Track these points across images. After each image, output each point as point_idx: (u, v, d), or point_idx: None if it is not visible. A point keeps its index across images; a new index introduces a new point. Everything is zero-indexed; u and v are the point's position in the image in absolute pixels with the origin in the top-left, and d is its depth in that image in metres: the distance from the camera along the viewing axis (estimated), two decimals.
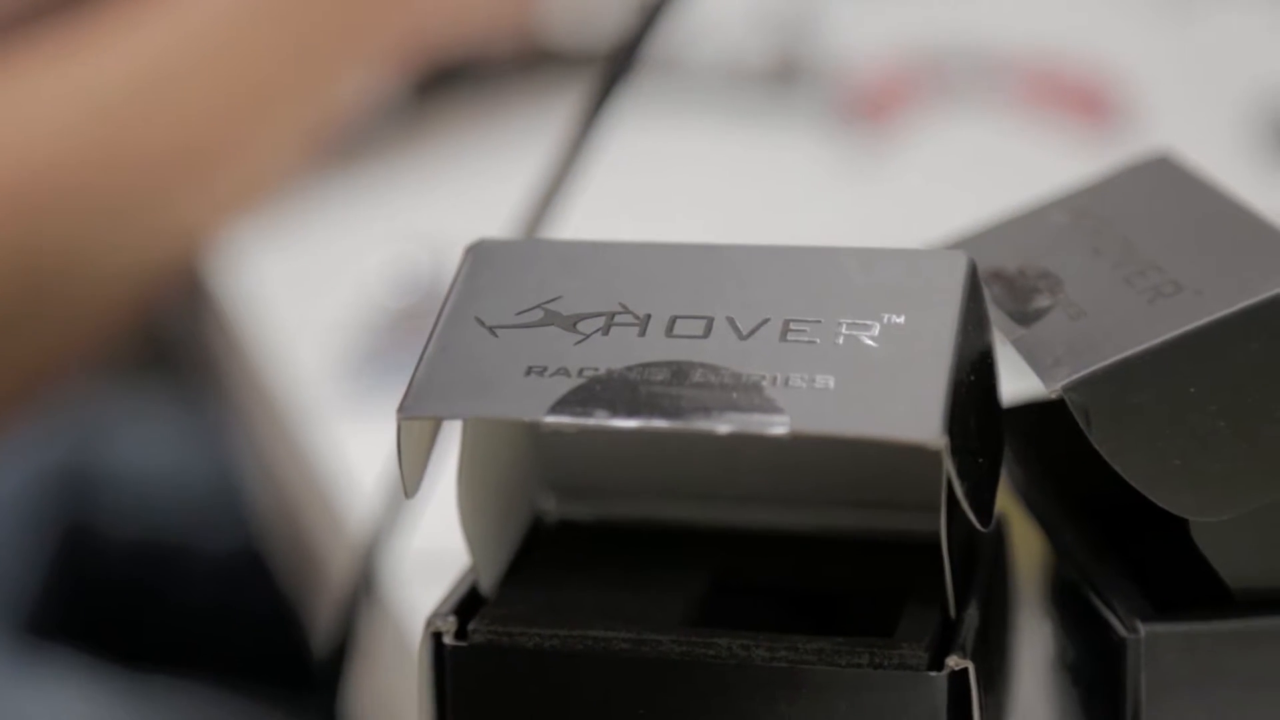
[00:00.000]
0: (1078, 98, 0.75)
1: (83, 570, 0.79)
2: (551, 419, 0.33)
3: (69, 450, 0.82)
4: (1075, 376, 0.34)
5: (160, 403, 0.87)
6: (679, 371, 0.33)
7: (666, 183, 0.71)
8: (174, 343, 0.79)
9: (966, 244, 0.40)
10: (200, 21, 0.67)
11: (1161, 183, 0.40)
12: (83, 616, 0.78)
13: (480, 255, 0.37)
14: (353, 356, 0.59)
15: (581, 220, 0.51)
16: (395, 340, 0.59)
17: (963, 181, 0.71)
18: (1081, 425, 0.34)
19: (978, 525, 0.34)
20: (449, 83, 0.77)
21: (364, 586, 0.47)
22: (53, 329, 0.64)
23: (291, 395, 0.59)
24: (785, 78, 0.76)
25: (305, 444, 0.57)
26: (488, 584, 0.37)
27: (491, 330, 0.35)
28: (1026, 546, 0.41)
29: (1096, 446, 0.34)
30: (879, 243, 0.64)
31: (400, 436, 0.34)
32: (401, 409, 0.34)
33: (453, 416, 0.35)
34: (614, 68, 0.46)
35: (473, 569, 0.37)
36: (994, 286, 0.38)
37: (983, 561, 0.38)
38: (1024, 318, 0.37)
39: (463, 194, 0.70)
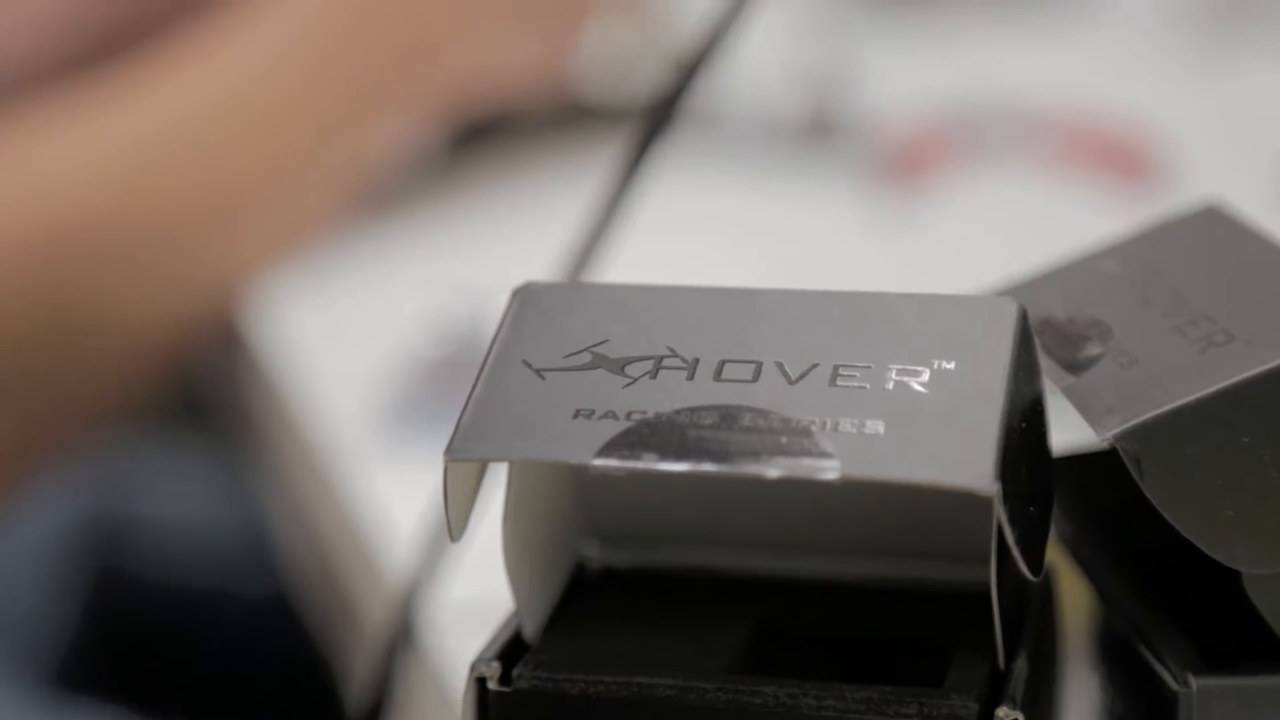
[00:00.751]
0: (1113, 155, 0.75)
1: (114, 618, 0.78)
2: (599, 462, 0.33)
3: (100, 498, 0.82)
4: (1127, 425, 0.34)
5: (193, 450, 0.87)
6: (727, 416, 0.33)
7: (702, 238, 0.71)
8: (208, 390, 0.79)
9: (1016, 291, 0.40)
10: (235, 72, 0.67)
11: (1211, 232, 0.40)
12: (114, 665, 0.77)
13: (527, 298, 0.37)
14: (388, 405, 0.59)
15: (618, 274, 0.51)
16: (431, 389, 0.59)
17: (998, 239, 0.70)
18: (1134, 475, 0.34)
19: (1028, 574, 0.34)
20: (486, 135, 0.77)
21: (402, 635, 0.47)
22: (84, 377, 0.64)
23: (327, 443, 0.59)
24: (821, 134, 0.76)
25: (341, 492, 0.57)
26: (531, 630, 0.37)
27: (539, 373, 0.35)
28: (1075, 598, 0.40)
29: (1149, 496, 0.34)
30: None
31: (447, 478, 0.34)
32: (449, 450, 0.34)
33: (500, 459, 0.34)
34: (651, 123, 0.46)
35: (516, 614, 0.37)
36: (1044, 334, 0.37)
37: (1031, 613, 0.37)
38: (1074, 366, 0.37)
39: (499, 246, 0.70)
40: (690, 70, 0.46)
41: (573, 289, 0.38)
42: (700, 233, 0.71)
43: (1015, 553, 0.33)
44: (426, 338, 0.61)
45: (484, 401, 0.34)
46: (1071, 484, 0.39)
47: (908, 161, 0.75)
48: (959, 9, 0.95)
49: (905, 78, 0.83)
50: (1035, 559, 0.34)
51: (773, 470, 0.32)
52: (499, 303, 0.61)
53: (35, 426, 0.64)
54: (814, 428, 0.33)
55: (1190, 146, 0.76)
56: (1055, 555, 0.40)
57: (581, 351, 0.35)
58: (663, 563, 0.39)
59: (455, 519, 0.35)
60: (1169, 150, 0.74)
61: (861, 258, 0.69)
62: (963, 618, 0.37)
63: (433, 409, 0.58)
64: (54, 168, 0.64)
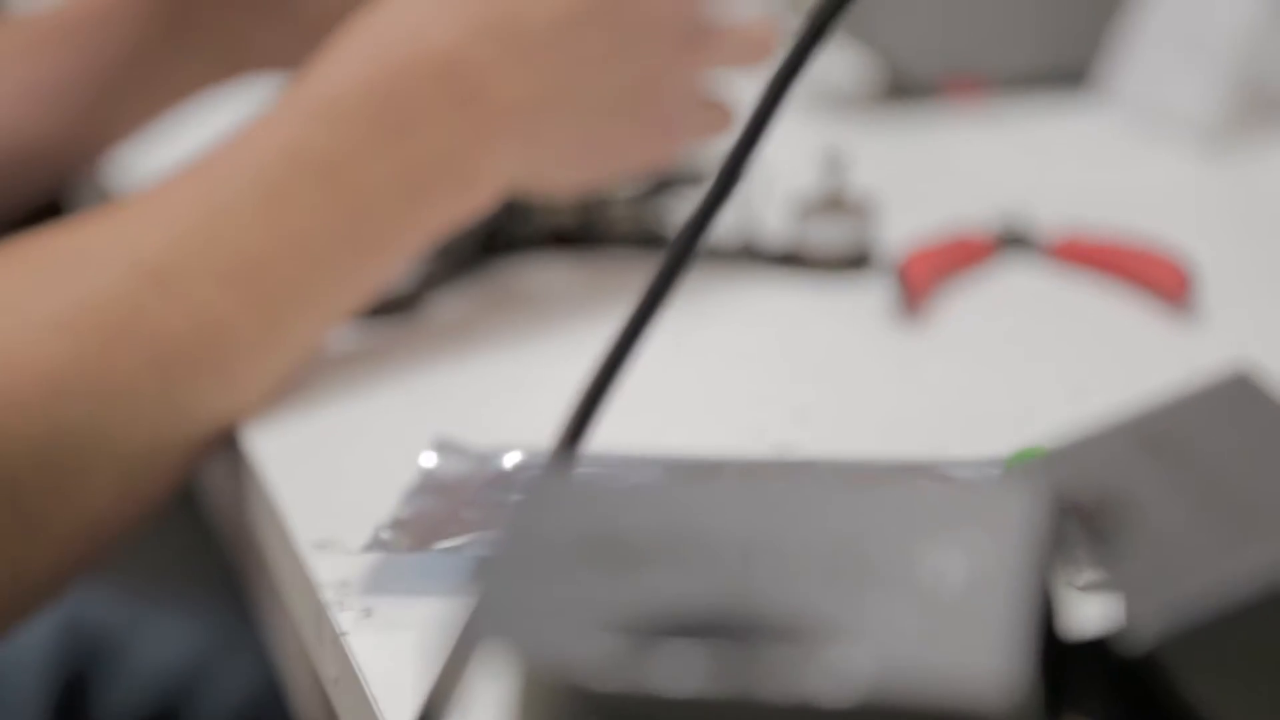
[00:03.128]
0: (1143, 269, 0.73)
1: None
2: (604, 672, 0.31)
3: (81, 606, 0.80)
4: (1167, 627, 0.32)
5: (179, 563, 0.85)
6: (740, 622, 0.32)
7: (722, 363, 0.69)
8: (200, 505, 0.78)
9: (1042, 469, 0.38)
10: (228, 201, 0.63)
11: (1241, 405, 0.38)
12: None
13: (539, 492, 0.35)
14: (384, 537, 0.56)
15: (634, 412, 0.50)
16: (433, 516, 0.57)
17: (1024, 365, 0.69)
18: (1176, 680, 0.32)
19: None
20: (505, 249, 0.76)
21: None
22: (77, 518, 0.61)
23: (319, 585, 0.56)
24: (842, 261, 0.74)
25: (334, 641, 0.55)
26: None
27: (547, 571, 0.34)
28: None
29: (1192, 702, 0.32)
30: (940, 431, 0.62)
31: (439, 670, 0.33)
32: (444, 647, 0.33)
33: (497, 661, 0.33)
34: (676, 253, 0.45)
35: None
36: (1072, 516, 0.36)
37: None
38: (1104, 550, 0.35)
39: (512, 371, 0.68)
40: (717, 197, 0.46)
41: (586, 481, 0.36)
42: (719, 358, 0.70)
43: None
44: (429, 481, 0.58)
45: (489, 597, 0.33)
46: (1103, 672, 0.37)
47: (929, 285, 0.72)
48: (976, 123, 0.93)
49: (927, 202, 0.81)
50: None
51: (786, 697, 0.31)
52: (507, 452, 0.59)
53: (28, 568, 0.61)
54: (829, 635, 0.32)
55: (1217, 254, 0.74)
56: None
57: (592, 550, 0.34)
58: None
59: (444, 704, 0.34)
60: (1195, 258, 0.72)
61: (885, 385, 0.68)
62: None
63: (436, 556, 0.55)
64: (46, 302, 0.61)
